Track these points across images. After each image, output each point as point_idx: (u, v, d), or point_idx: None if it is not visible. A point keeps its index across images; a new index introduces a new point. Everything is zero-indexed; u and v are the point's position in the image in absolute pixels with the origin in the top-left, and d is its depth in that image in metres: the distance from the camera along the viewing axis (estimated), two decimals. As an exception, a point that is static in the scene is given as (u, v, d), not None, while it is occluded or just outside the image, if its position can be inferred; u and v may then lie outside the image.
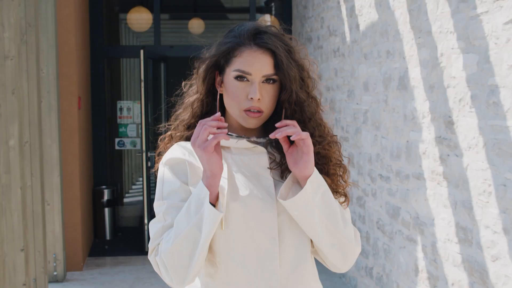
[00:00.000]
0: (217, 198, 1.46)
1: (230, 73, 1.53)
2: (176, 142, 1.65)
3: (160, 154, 1.68)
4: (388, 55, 4.15)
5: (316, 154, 1.56)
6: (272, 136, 1.45)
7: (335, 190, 1.60)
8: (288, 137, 1.51)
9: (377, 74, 4.39)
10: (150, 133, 6.65)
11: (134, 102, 7.72)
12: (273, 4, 8.74)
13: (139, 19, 8.33)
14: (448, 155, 3.27)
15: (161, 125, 1.74)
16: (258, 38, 1.52)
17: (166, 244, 1.48)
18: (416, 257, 3.78)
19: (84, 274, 5.74)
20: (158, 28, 7.66)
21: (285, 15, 7.80)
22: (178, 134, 1.66)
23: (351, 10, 4.98)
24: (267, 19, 8.79)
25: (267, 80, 1.52)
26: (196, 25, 8.95)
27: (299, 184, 1.52)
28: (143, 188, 6.65)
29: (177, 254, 1.46)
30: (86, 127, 6.63)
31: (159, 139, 1.71)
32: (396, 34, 4.00)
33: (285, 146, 1.52)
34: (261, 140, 1.56)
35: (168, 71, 7.71)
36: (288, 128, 1.45)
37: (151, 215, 6.38)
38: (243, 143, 1.57)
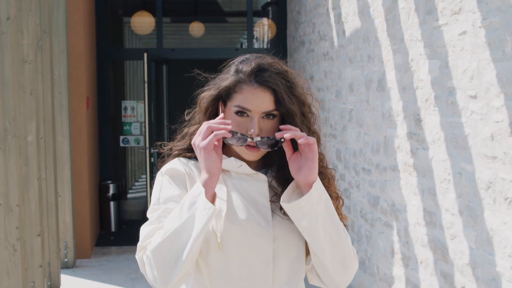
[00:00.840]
0: (213, 198, 1.47)
1: (231, 107, 1.56)
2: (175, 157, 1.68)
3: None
4: (369, 59, 4.59)
5: None
6: (279, 135, 1.48)
7: None
8: (292, 144, 1.54)
9: (360, 77, 4.83)
10: (153, 131, 7.10)
11: (137, 102, 8.17)
12: (270, 8, 9.17)
13: (142, 22, 8.76)
14: (417, 148, 3.71)
15: (164, 148, 1.75)
16: (259, 76, 1.54)
17: (155, 241, 1.45)
18: (392, 240, 4.22)
19: (92, 261, 6.19)
20: (161, 31, 8.10)
21: (281, 20, 8.24)
22: (175, 153, 1.68)
23: (338, 17, 5.42)
24: (265, 23, 9.24)
25: (267, 115, 1.55)
26: (196, 28, 9.39)
27: (300, 191, 1.52)
28: (146, 182, 7.10)
29: (165, 252, 1.43)
30: (93, 125, 7.08)
31: (158, 162, 1.73)
32: (375, 40, 4.44)
33: (288, 152, 1.53)
34: (263, 171, 1.61)
35: (169, 72, 8.15)
36: (297, 132, 1.49)
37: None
38: (245, 168, 1.58)
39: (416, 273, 3.80)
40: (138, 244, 1.51)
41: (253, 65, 1.55)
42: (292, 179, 1.54)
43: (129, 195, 9.32)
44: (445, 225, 3.35)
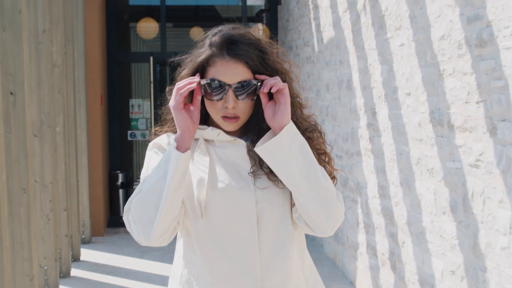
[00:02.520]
0: (186, 152, 1.53)
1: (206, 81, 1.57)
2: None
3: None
4: (341, 63, 5.49)
5: None
6: (264, 90, 1.54)
7: None
8: (269, 95, 1.58)
9: (334, 78, 5.73)
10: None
11: (143, 100, 9.07)
12: (263, 15, 10.07)
13: (147, 28, 9.66)
14: (374, 136, 4.61)
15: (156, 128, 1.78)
16: (230, 49, 1.56)
17: (136, 198, 1.55)
18: (357, 213, 5.12)
19: (105, 239, 7.11)
20: (164, 37, 9.00)
21: (272, 26, 9.14)
22: (164, 130, 1.72)
23: (318, 27, 6.32)
24: (260, 28, 10.13)
25: (242, 85, 1.55)
26: (196, 33, 10.30)
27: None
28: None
29: (144, 205, 1.52)
30: (105, 121, 7.99)
31: (150, 134, 1.79)
32: (345, 48, 5.34)
33: (264, 100, 1.57)
34: (243, 139, 1.66)
35: (172, 73, 9.06)
36: (271, 80, 1.54)
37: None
38: (223, 136, 1.62)
39: (373, 237, 4.70)
40: (125, 206, 1.60)
41: (224, 37, 1.57)
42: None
43: (135, 184, 10.24)
44: (392, 195, 4.26)
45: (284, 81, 1.61)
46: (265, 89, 1.53)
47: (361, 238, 5.03)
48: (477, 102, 2.99)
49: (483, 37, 2.91)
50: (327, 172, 1.64)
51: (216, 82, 1.55)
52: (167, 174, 1.50)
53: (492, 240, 2.89)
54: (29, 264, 4.18)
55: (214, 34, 1.60)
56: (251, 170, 1.60)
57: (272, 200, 1.60)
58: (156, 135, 1.72)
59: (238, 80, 1.55)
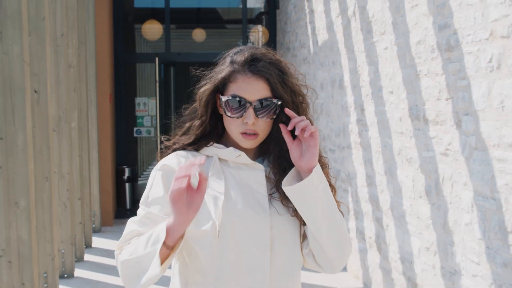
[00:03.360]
0: (176, 242, 1.48)
1: (227, 97, 1.57)
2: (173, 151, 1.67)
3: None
4: (333, 64, 5.95)
5: None
6: (289, 128, 1.53)
7: None
8: (292, 132, 1.56)
9: (327, 78, 6.19)
10: (163, 123, 8.47)
11: (149, 99, 9.54)
12: (263, 17, 10.53)
13: (152, 29, 10.13)
14: (362, 130, 5.08)
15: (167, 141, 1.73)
16: (252, 65, 1.57)
17: (124, 255, 1.54)
18: (348, 201, 5.58)
19: (114, 228, 7.58)
20: (169, 38, 9.45)
21: (271, 28, 9.60)
22: (176, 146, 1.68)
23: (313, 30, 6.78)
24: (259, 29, 10.60)
25: (262, 103, 1.55)
26: (198, 34, 10.78)
27: (300, 177, 1.56)
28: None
29: (128, 270, 1.53)
30: (113, 118, 8.45)
31: (157, 154, 1.74)
32: (337, 50, 5.80)
33: (288, 139, 1.56)
34: (260, 161, 1.64)
35: (176, 73, 9.53)
36: (302, 122, 1.51)
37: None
38: (243, 158, 1.60)
39: (362, 223, 5.17)
40: (119, 240, 1.59)
41: (246, 55, 1.58)
42: (288, 168, 1.58)
43: (140, 179, 10.70)
44: (377, 183, 4.72)
45: (300, 103, 1.62)
46: (296, 132, 1.51)
47: (351, 224, 5.49)
48: (446, 99, 3.45)
49: (451, 43, 3.37)
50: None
51: (237, 98, 1.56)
52: (152, 259, 1.47)
53: (458, 218, 3.35)
54: (51, 245, 4.65)
55: (236, 53, 1.61)
56: (270, 193, 1.60)
57: (285, 226, 1.60)
58: (163, 150, 1.70)
59: (259, 97, 1.56)
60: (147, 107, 9.49)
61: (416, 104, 3.90)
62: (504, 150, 2.85)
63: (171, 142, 1.68)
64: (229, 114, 1.57)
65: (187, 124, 1.67)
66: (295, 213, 1.58)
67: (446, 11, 3.43)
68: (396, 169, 4.29)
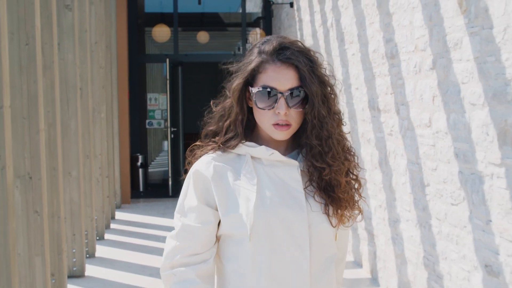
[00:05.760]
0: None
1: (258, 89, 1.54)
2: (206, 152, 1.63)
3: (189, 163, 1.67)
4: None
5: (327, 181, 1.55)
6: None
7: (351, 208, 1.60)
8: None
9: (312, 76, 7.43)
10: (173, 116, 9.73)
11: (159, 95, 10.79)
12: (261, 21, 11.77)
13: (161, 32, 11.37)
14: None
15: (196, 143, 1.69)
16: (281, 54, 1.54)
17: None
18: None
19: (132, 206, 8.86)
20: (177, 40, 10.68)
21: (268, 31, 10.84)
22: (209, 148, 1.63)
23: (301, 37, 8.02)
24: (257, 32, 11.84)
25: (293, 93, 1.52)
26: (202, 36, 12.02)
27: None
28: (168, 154, 9.74)
29: None
30: (128, 111, 9.72)
31: (188, 149, 1.70)
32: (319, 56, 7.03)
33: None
34: (294, 156, 1.60)
35: (184, 72, 10.79)
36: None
37: (173, 174, 9.53)
38: (276, 155, 1.56)
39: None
40: (163, 258, 1.61)
41: (274, 44, 1.55)
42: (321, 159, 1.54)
43: (150, 167, 11.98)
44: (369, 177, 5.96)
45: (329, 94, 1.61)
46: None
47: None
48: (391, 94, 4.70)
49: (393, 52, 4.61)
50: (355, 204, 1.60)
51: (268, 89, 1.53)
52: None
53: (398, 180, 4.60)
54: (90, 209, 5.91)
55: (263, 43, 1.59)
56: (305, 186, 1.56)
57: (321, 223, 1.57)
58: (195, 155, 1.66)
59: (289, 86, 1.52)
60: (158, 102, 10.75)
61: (373, 98, 5.15)
62: (423, 129, 4.09)
63: (205, 143, 1.65)
64: (260, 105, 1.54)
65: (221, 124, 1.62)
66: (326, 209, 1.56)
67: (390, 29, 4.67)
68: (360, 148, 5.54)
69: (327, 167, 1.53)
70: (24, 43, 3.62)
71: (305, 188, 1.56)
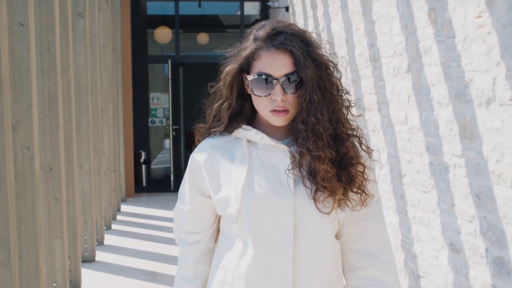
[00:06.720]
0: None
1: (254, 76, 1.53)
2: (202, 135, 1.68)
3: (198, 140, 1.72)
4: (310, 67, 7.68)
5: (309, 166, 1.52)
6: None
7: (362, 190, 1.59)
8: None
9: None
10: (175, 114, 10.21)
11: (161, 94, 11.27)
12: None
13: (163, 34, 11.84)
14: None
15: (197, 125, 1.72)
16: (275, 40, 1.51)
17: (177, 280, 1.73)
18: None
19: (136, 199, 9.35)
20: (178, 42, 11.16)
21: (265, 33, 11.30)
22: (203, 131, 1.68)
23: (296, 39, 8.50)
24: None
25: (289, 78, 1.50)
26: (202, 38, 12.49)
27: None
28: (170, 150, 10.23)
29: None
30: (132, 110, 10.20)
31: (194, 128, 1.73)
32: (317, 37, 7.52)
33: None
34: (287, 140, 1.59)
35: (185, 72, 11.27)
36: None
37: (175, 169, 10.02)
38: (266, 140, 1.56)
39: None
40: (174, 230, 1.76)
41: (268, 29, 1.54)
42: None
43: (153, 163, 12.46)
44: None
45: (328, 75, 1.59)
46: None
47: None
48: (374, 94, 5.18)
49: (376, 56, 5.09)
50: (338, 193, 1.53)
51: (263, 76, 1.51)
52: None
53: (380, 172, 5.08)
54: (99, 201, 6.40)
55: (258, 29, 1.57)
56: (289, 168, 1.53)
57: (310, 208, 1.52)
58: (199, 136, 1.70)
59: (285, 72, 1.50)
60: (160, 101, 11.23)
61: (359, 98, 5.63)
62: (400, 126, 4.58)
63: (203, 127, 1.68)
64: (256, 93, 1.54)
65: (216, 106, 1.64)
66: (315, 195, 1.51)
67: (373, 35, 5.15)
68: (348, 144, 6.02)
69: (307, 153, 1.50)
70: (45, 49, 4.10)
71: (291, 170, 1.53)
